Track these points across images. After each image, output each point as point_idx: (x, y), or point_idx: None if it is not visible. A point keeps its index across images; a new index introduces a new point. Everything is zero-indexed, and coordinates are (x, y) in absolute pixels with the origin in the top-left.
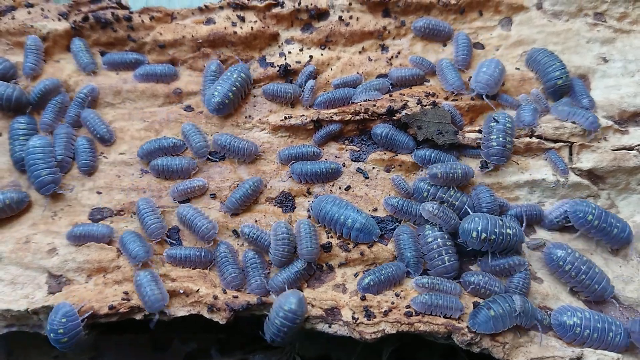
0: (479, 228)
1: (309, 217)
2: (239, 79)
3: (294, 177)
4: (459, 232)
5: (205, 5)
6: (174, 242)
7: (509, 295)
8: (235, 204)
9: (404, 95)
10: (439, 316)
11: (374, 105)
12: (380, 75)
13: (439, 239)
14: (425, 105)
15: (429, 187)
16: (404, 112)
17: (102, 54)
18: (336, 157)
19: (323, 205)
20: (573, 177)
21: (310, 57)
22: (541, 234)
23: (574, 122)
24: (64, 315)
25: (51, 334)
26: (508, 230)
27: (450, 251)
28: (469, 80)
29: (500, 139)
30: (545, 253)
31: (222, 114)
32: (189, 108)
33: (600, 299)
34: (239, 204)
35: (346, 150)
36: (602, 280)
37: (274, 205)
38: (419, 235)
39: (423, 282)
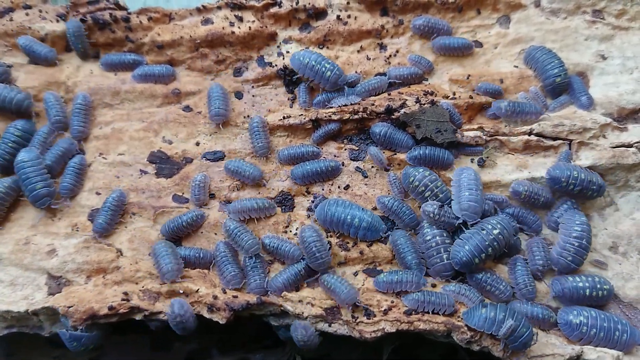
0: (475, 252)
1: (309, 217)
2: None
3: (296, 181)
4: (458, 267)
5: (203, 6)
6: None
7: (513, 312)
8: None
9: (402, 94)
10: (437, 314)
11: (373, 104)
12: (378, 74)
13: (437, 237)
14: (424, 104)
15: (416, 173)
16: (402, 110)
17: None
18: (335, 156)
19: (328, 208)
20: None
21: None
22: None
23: None
24: (71, 340)
25: (77, 352)
26: (495, 231)
27: (448, 249)
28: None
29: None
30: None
31: None
32: (187, 108)
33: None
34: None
35: (345, 149)
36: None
37: None
38: (416, 234)
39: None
